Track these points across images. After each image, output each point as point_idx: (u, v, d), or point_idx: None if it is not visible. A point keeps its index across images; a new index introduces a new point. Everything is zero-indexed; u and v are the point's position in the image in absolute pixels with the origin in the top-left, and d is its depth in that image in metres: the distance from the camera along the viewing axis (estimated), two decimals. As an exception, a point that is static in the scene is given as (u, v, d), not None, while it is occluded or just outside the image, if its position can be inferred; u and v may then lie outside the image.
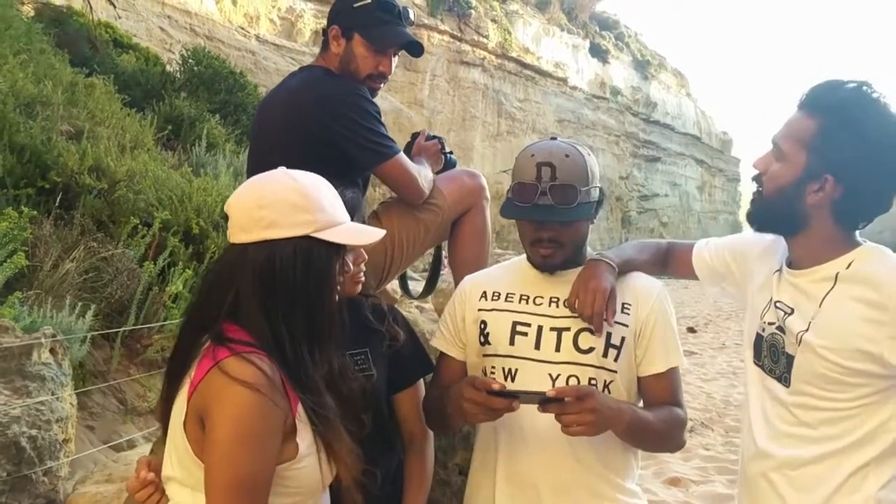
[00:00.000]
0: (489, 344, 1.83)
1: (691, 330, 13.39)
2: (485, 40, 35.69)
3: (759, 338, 1.74)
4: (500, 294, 1.88)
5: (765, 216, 1.70)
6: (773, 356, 1.68)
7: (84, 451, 3.80)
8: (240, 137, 10.04)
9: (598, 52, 44.04)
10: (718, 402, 7.38)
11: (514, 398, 1.56)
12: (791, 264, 1.70)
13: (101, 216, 5.34)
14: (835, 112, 1.55)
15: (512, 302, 1.85)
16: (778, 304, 1.68)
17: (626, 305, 1.81)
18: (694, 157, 53.78)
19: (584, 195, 1.74)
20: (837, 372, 1.56)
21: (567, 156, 1.72)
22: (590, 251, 1.91)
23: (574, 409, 1.53)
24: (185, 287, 4.82)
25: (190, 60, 11.43)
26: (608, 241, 43.30)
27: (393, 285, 2.72)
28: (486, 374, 1.82)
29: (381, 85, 2.36)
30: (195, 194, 5.57)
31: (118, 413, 4.23)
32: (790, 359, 1.63)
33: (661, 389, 1.82)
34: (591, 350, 1.75)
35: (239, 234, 1.40)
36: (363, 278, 1.76)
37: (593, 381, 1.74)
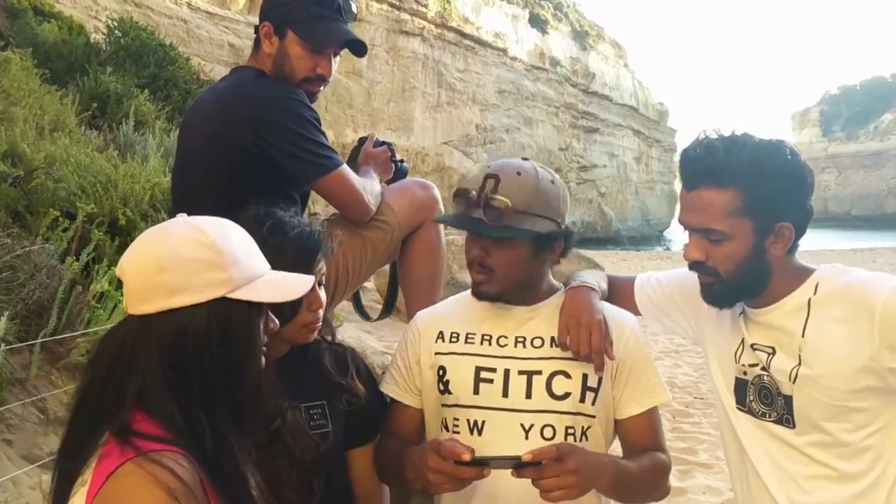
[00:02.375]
0: (450, 393, 1.63)
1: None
2: (424, 9, 35.21)
3: (740, 382, 1.62)
4: (458, 334, 1.68)
5: (734, 294, 1.59)
6: (766, 399, 1.57)
7: (1, 468, 3.49)
8: (171, 114, 9.59)
9: (537, 23, 43.94)
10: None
11: (484, 465, 1.39)
12: (753, 304, 1.60)
13: (16, 207, 4.94)
14: (749, 170, 1.49)
15: (473, 343, 1.65)
16: (756, 347, 1.58)
17: None
18: (631, 127, 54.39)
19: (523, 220, 1.55)
20: (842, 399, 1.48)
21: (518, 174, 1.56)
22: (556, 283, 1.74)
23: (553, 471, 1.37)
24: (112, 285, 4.50)
25: (116, 31, 10.84)
26: (548, 212, 43.50)
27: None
28: (447, 426, 1.62)
29: (321, 88, 2.11)
30: (122, 181, 5.19)
31: (39, 424, 3.92)
32: (788, 399, 1.53)
33: (642, 433, 1.67)
34: (567, 395, 1.58)
35: (138, 304, 1.14)
36: (319, 325, 1.58)
37: (571, 430, 1.58)
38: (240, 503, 1.12)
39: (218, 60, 27.15)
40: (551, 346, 1.62)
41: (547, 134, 44.58)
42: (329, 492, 1.57)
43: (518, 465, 1.37)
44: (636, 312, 1.82)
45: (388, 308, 2.38)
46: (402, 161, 2.32)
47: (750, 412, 1.60)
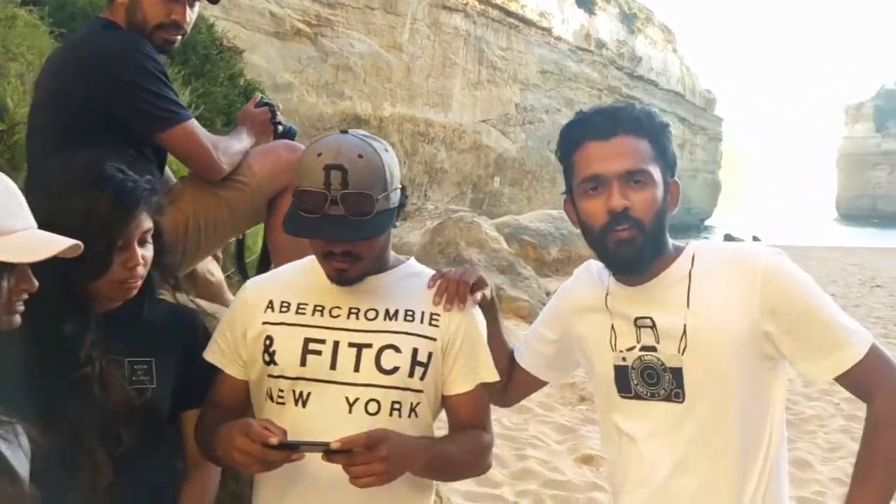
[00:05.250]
0: (276, 364, 1.59)
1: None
2: (468, -15, 34.90)
3: (620, 369, 1.57)
4: (289, 304, 1.63)
5: (652, 250, 1.51)
6: (651, 379, 1.53)
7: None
8: (187, 78, 9.65)
9: (584, 3, 43.27)
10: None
11: (294, 449, 1.38)
12: (634, 279, 1.56)
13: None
14: (650, 123, 1.53)
15: (304, 314, 1.61)
16: (639, 321, 1.54)
17: (434, 316, 1.61)
18: (676, 114, 53.44)
19: (383, 202, 1.50)
20: (729, 367, 1.48)
21: (360, 156, 1.47)
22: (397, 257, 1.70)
23: (363, 458, 1.36)
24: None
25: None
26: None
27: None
28: (272, 397, 1.60)
29: (177, 37, 2.06)
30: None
31: None
32: (677, 372, 1.50)
33: (468, 411, 1.65)
34: (395, 370, 1.55)
35: None
36: (135, 283, 1.55)
37: (397, 406, 1.55)
38: None
39: (258, 28, 27.30)
40: (385, 318, 1.59)
41: (588, 117, 44.04)
42: (152, 449, 1.56)
43: (328, 451, 1.35)
44: (539, 383, 1.83)
45: (261, 269, 2.33)
46: (288, 125, 2.27)
47: (637, 397, 1.55)
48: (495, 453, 4.69)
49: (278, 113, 2.24)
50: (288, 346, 1.58)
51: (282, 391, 1.58)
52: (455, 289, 1.62)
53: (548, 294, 11.14)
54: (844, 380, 1.46)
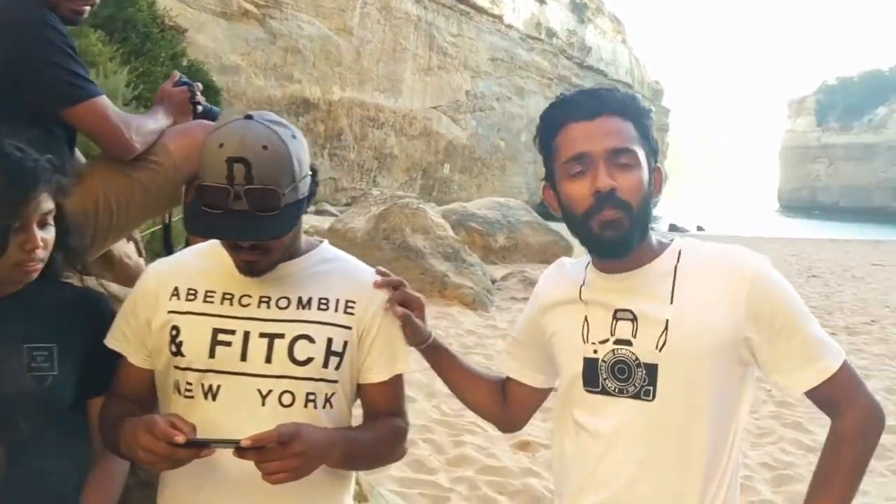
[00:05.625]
0: (182, 355, 1.50)
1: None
2: (419, -30, 34.70)
3: (590, 362, 1.48)
4: (196, 292, 1.54)
5: (639, 232, 1.43)
6: (621, 374, 1.45)
7: None
8: (127, 56, 9.42)
9: (535, -8, 43.39)
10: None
11: (203, 447, 1.32)
12: (617, 266, 1.48)
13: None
14: (635, 108, 1.46)
15: (212, 303, 1.52)
16: (618, 313, 1.46)
17: (349, 304, 1.55)
18: (625, 104, 54.08)
19: (291, 195, 1.41)
20: (706, 368, 1.42)
21: (265, 147, 1.36)
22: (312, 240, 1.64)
23: (276, 455, 1.31)
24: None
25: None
26: (535, 185, 43.44)
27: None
28: (179, 390, 1.52)
29: (85, 7, 1.96)
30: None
31: None
32: (652, 369, 1.42)
33: (384, 399, 1.61)
34: (309, 361, 1.49)
35: None
36: (34, 267, 1.48)
37: (312, 397, 1.49)
38: None
39: (203, 7, 26.75)
40: (298, 307, 1.52)
41: (538, 105, 44.19)
42: (54, 438, 1.50)
43: (239, 448, 1.30)
44: (536, 401, 1.72)
45: (165, 253, 2.22)
46: (209, 105, 2.19)
47: (603, 392, 1.47)
48: (432, 439, 4.70)
49: (198, 93, 2.16)
50: (195, 337, 1.50)
51: (190, 384, 1.50)
52: (402, 296, 1.58)
53: (493, 281, 11.19)
54: (814, 392, 1.44)
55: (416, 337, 1.63)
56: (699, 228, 41.92)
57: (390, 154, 35.46)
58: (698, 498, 1.43)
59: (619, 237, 1.40)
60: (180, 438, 1.29)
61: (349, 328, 1.54)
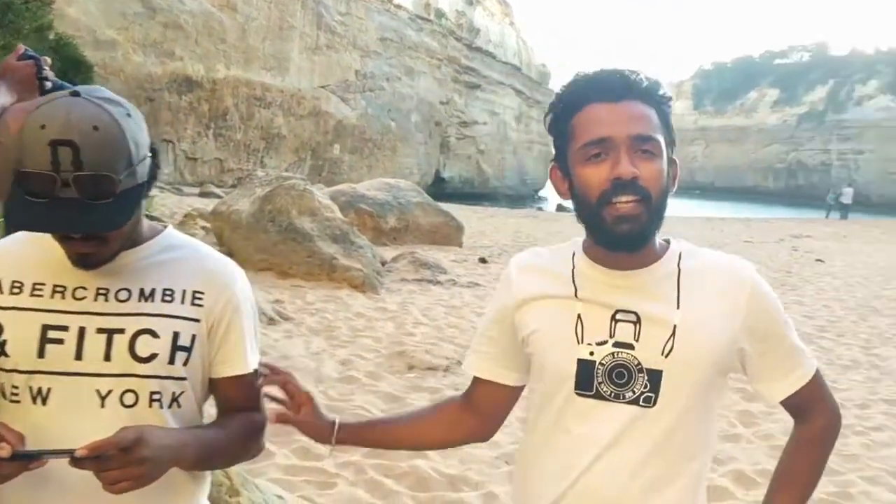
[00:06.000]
0: (7, 356, 1.35)
1: (483, 261, 13.60)
2: (305, -54, 33.95)
3: (586, 364, 1.38)
4: (22, 285, 1.38)
5: (654, 225, 1.35)
6: (620, 378, 1.36)
7: None
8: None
9: (424, -28, 43.24)
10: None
11: (33, 459, 1.19)
12: (623, 263, 1.39)
13: None
14: (656, 94, 1.38)
15: (41, 296, 1.37)
16: (619, 314, 1.38)
17: (197, 295, 1.44)
18: (513, 86, 54.80)
19: (128, 180, 1.27)
20: (706, 377, 1.38)
21: (96, 128, 1.22)
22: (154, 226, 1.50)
23: (117, 462, 1.20)
24: None
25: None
26: (426, 166, 43.55)
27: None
28: (4, 394, 1.37)
29: None
30: None
31: None
32: (656, 375, 1.35)
33: (239, 394, 1.51)
34: (152, 357, 1.37)
35: None
36: None
37: (157, 397, 1.38)
38: None
39: (74, -21, 25.28)
40: (140, 299, 1.39)
41: (428, 86, 44.27)
42: None
43: (75, 458, 1.18)
44: (508, 401, 1.59)
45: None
46: (60, 82, 2.03)
47: (597, 396, 1.38)
48: (319, 425, 4.63)
49: (46, 68, 2.00)
50: (21, 335, 1.35)
51: (16, 387, 1.36)
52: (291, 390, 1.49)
53: (384, 263, 11.14)
54: (789, 398, 1.46)
55: (319, 432, 1.56)
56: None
57: (278, 134, 34.67)
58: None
59: (634, 231, 1.31)
60: (4, 452, 1.16)
61: (197, 321, 1.42)
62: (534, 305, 1.45)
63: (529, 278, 1.48)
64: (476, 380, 1.59)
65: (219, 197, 17.69)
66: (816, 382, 1.47)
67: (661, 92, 1.38)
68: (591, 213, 1.34)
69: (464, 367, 1.62)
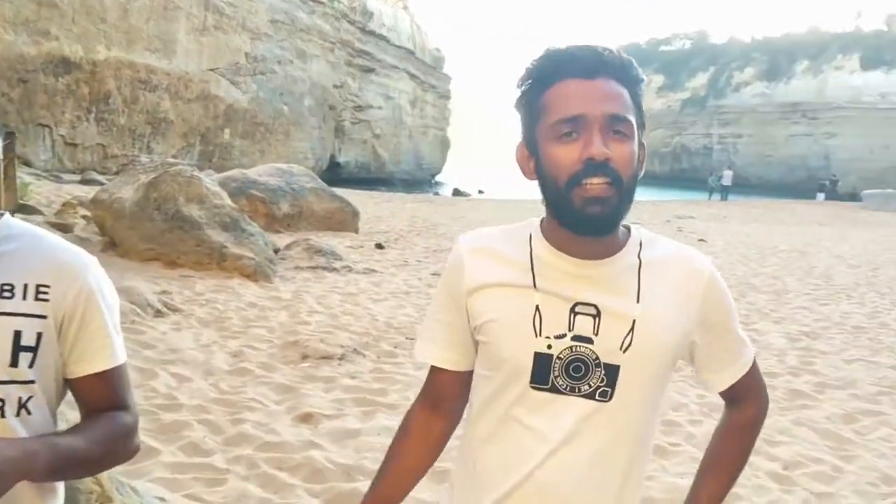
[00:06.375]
0: None
1: (379, 246, 13.51)
2: (190, -78, 32.69)
3: (543, 358, 1.32)
4: None
5: (623, 210, 1.29)
6: (577, 372, 1.31)
7: None
8: None
9: (315, -47, 42.43)
10: (381, 325, 7.36)
11: None
12: (586, 252, 1.34)
13: None
14: (630, 74, 1.31)
15: None
16: (578, 307, 1.32)
17: (42, 288, 1.31)
18: (408, 71, 54.67)
19: None
20: (661, 372, 1.36)
21: None
22: None
23: None
24: None
25: None
26: (320, 151, 42.91)
27: None
28: None
29: None
30: None
31: None
32: (613, 369, 1.31)
33: (103, 393, 1.39)
34: None
35: None
36: None
37: (0, 404, 1.26)
38: None
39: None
40: None
41: (321, 70, 43.55)
42: None
43: None
44: (461, 386, 1.50)
45: None
46: None
47: (552, 389, 1.32)
48: (208, 420, 4.48)
49: None
50: None
51: None
52: None
53: (276, 251, 10.90)
54: (726, 388, 1.48)
55: None
56: (480, 192, 43.58)
57: (165, 119, 33.37)
58: (633, 502, 1.41)
59: (605, 213, 1.26)
60: None
61: (43, 317, 1.30)
62: (488, 293, 1.37)
63: (483, 263, 1.39)
64: (435, 371, 1.50)
65: (102, 184, 16.89)
66: (754, 369, 1.49)
67: (634, 72, 1.31)
68: (558, 194, 1.28)
69: (417, 356, 1.52)
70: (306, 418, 4.66)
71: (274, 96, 39.32)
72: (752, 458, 4.44)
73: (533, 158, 1.33)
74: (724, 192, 41.06)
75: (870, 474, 4.32)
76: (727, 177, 41.87)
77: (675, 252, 1.41)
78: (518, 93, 1.34)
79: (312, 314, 7.60)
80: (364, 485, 3.76)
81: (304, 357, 5.93)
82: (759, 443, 4.83)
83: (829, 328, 8.50)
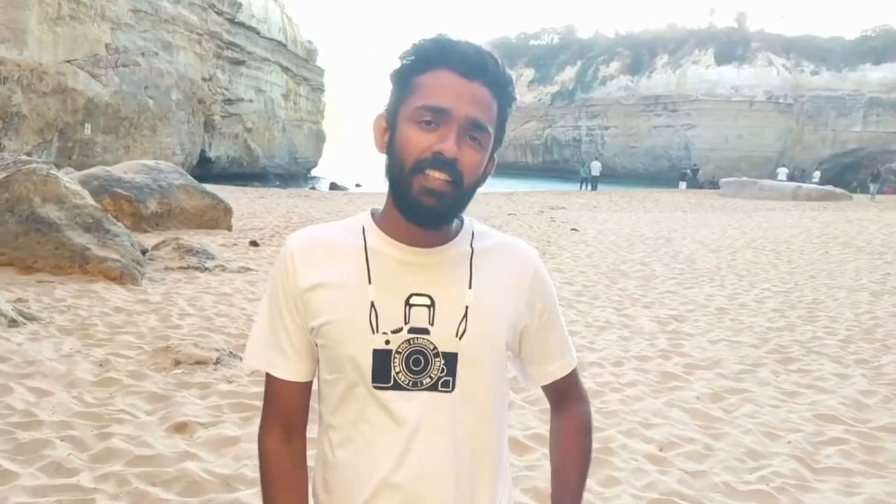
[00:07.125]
0: None
1: (254, 244, 13.15)
2: None
3: (382, 354, 1.30)
4: None
5: (458, 209, 1.32)
6: (417, 365, 1.31)
7: None
8: None
9: (178, -60, 40.73)
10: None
11: None
12: (423, 241, 1.35)
13: None
14: (507, 91, 1.34)
15: None
16: (413, 299, 1.32)
17: None
18: (280, 63, 53.49)
19: None
20: (497, 359, 1.38)
21: None
22: None
23: None
24: None
25: None
26: (189, 146, 41.34)
27: None
28: None
29: None
30: None
31: None
32: (451, 358, 1.32)
33: None
34: None
35: None
36: None
37: None
38: None
39: None
40: None
41: (189, 62, 41.91)
42: None
43: None
44: (302, 392, 1.44)
45: None
46: None
47: (395, 387, 1.31)
48: (73, 436, 4.20)
49: None
50: None
51: None
52: None
53: (144, 252, 10.39)
54: (552, 384, 1.52)
55: None
56: (357, 185, 43.28)
57: (18, 113, 31.21)
58: (492, 496, 1.41)
59: (438, 207, 1.27)
60: None
61: None
62: (322, 293, 1.34)
63: (314, 261, 1.36)
64: (281, 385, 1.42)
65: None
66: (576, 373, 1.56)
67: (510, 90, 1.34)
68: (400, 175, 1.29)
69: (249, 365, 1.45)
70: (180, 428, 4.44)
71: (138, 90, 37.55)
72: (628, 442, 4.62)
73: (388, 132, 1.34)
74: (594, 182, 42.53)
75: (737, 450, 4.55)
76: (595, 168, 43.41)
77: (505, 242, 1.46)
78: (398, 64, 1.34)
79: (184, 317, 7.29)
80: (245, 494, 3.63)
81: (177, 363, 5.66)
82: (634, 425, 5.03)
83: (694, 311, 8.94)
